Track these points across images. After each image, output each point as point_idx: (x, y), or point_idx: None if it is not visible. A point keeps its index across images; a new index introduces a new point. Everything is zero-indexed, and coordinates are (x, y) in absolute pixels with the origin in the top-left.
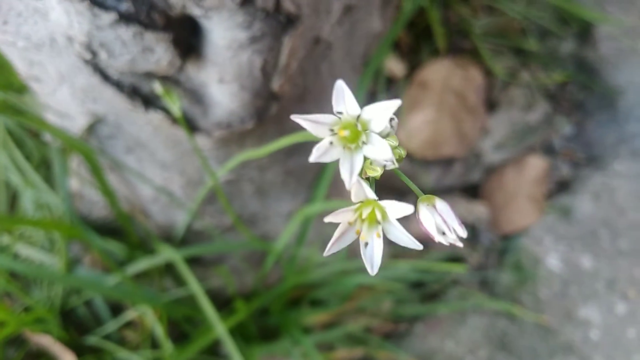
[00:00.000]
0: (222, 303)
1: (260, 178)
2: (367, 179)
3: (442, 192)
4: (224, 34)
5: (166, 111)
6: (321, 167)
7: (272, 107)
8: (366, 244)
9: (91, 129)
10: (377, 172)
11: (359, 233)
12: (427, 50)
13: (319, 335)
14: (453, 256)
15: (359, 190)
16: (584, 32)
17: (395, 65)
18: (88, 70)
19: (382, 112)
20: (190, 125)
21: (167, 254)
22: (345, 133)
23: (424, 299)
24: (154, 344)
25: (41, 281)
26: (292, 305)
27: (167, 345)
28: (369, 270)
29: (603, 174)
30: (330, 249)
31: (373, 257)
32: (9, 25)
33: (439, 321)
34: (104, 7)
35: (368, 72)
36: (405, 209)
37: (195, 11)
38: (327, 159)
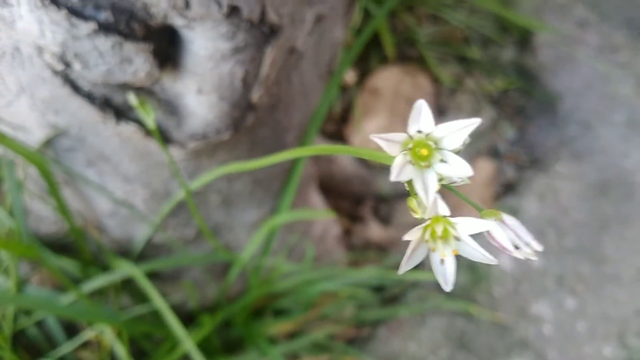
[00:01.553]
0: (183, 318)
1: (229, 188)
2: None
3: (399, 197)
4: (206, 44)
5: (139, 123)
6: (287, 176)
7: (249, 117)
8: (442, 261)
9: (49, 142)
10: (437, 188)
11: (434, 250)
12: (376, 58)
13: (285, 345)
14: None
15: (435, 207)
16: (524, 40)
17: (346, 73)
18: (56, 81)
19: (458, 130)
20: (163, 136)
21: (126, 269)
22: (423, 152)
23: (384, 303)
24: None
25: None
26: (256, 316)
27: None
28: (443, 286)
29: (546, 175)
30: (405, 266)
31: (447, 274)
32: None
33: (401, 324)
34: (83, 16)
35: (335, 81)
36: (479, 225)
37: (177, 21)
38: (403, 177)
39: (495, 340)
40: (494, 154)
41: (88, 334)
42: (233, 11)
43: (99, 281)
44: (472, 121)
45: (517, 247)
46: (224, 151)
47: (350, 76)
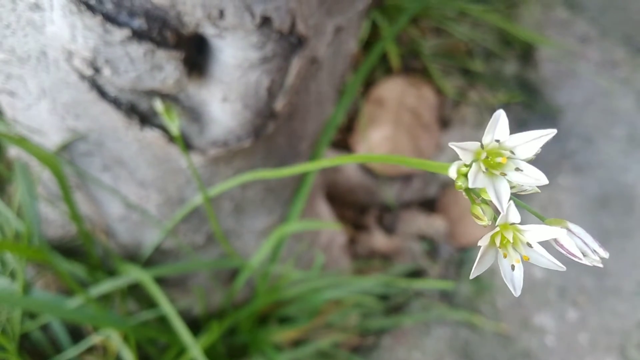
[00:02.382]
0: (188, 325)
1: (241, 195)
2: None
3: (403, 206)
4: (236, 53)
5: (162, 129)
6: (299, 185)
7: (270, 125)
8: (513, 267)
9: (66, 146)
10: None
11: (506, 256)
12: (381, 69)
13: (289, 353)
14: (415, 269)
15: (509, 214)
16: (526, 54)
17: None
18: (83, 86)
19: (532, 140)
20: (185, 143)
21: (134, 274)
22: (498, 160)
23: (389, 312)
24: None
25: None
26: (261, 323)
27: None
28: (513, 291)
29: (548, 188)
30: (476, 271)
31: (517, 279)
32: None
33: (405, 333)
34: (117, 23)
35: (350, 90)
36: (549, 232)
37: (209, 30)
38: (479, 184)
39: (499, 350)
40: None
41: (94, 339)
42: (265, 22)
43: (107, 285)
44: (548, 131)
45: (584, 254)
46: (240, 159)
47: None
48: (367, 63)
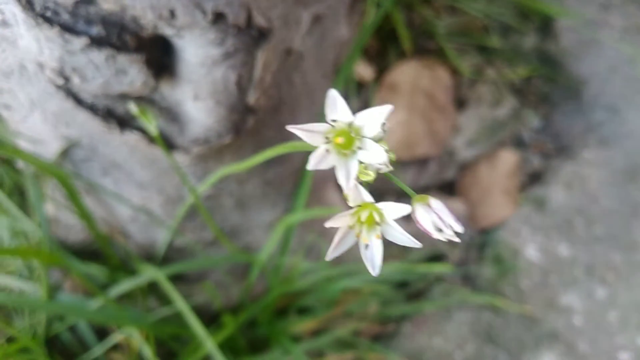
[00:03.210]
0: (209, 318)
1: (240, 191)
2: (361, 183)
3: (419, 191)
4: (197, 51)
5: (142, 131)
6: (300, 177)
7: (249, 120)
8: (366, 246)
9: (65, 153)
10: (370, 177)
11: (358, 236)
12: (394, 53)
13: (309, 342)
14: (434, 254)
15: (356, 194)
16: (545, 26)
17: (363, 70)
18: (60, 95)
19: (374, 117)
20: (168, 143)
21: (149, 273)
22: (341, 140)
23: (409, 298)
24: None
25: (22, 310)
26: (280, 315)
27: None
28: (370, 270)
29: (573, 163)
30: (332, 253)
31: (374, 258)
32: None
33: (426, 319)
34: (75, 32)
35: (340, 79)
36: (402, 209)
37: (167, 31)
38: (324, 166)
39: (524, 333)
40: (518, 143)
41: (117, 337)
42: (218, 18)
43: (125, 286)
44: (385, 108)
45: (440, 230)
46: (230, 154)
47: (367, 73)
48: (359, 42)
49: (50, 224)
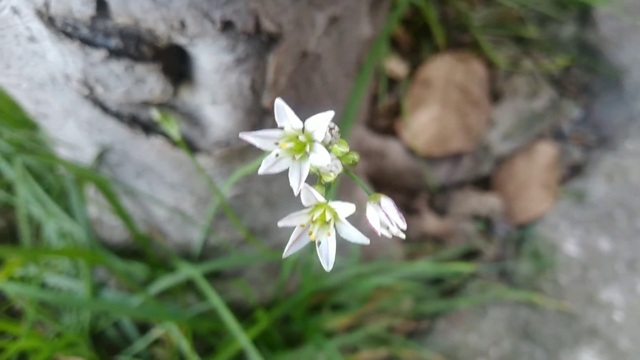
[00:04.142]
0: (246, 313)
1: (267, 190)
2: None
3: (454, 187)
4: (210, 58)
5: (166, 136)
6: None
7: (267, 121)
8: (319, 243)
9: (100, 158)
10: (331, 177)
11: (310, 234)
12: (427, 48)
13: (342, 338)
14: (469, 250)
15: (309, 195)
16: (584, 14)
17: (396, 66)
18: (88, 104)
19: (320, 122)
20: (191, 146)
21: (186, 271)
22: (288, 145)
23: (443, 295)
24: (182, 359)
25: (70, 307)
26: (314, 311)
27: None
28: (324, 266)
29: (615, 154)
30: (288, 251)
31: (328, 254)
32: (12, 69)
33: (461, 316)
34: (94, 45)
35: (362, 78)
36: (350, 208)
37: (180, 40)
38: (276, 170)
39: (562, 329)
40: (557, 135)
41: (158, 332)
42: (227, 26)
43: (164, 283)
44: (328, 113)
45: (387, 227)
46: (252, 154)
47: (401, 69)
48: (380, 41)
49: (93, 225)
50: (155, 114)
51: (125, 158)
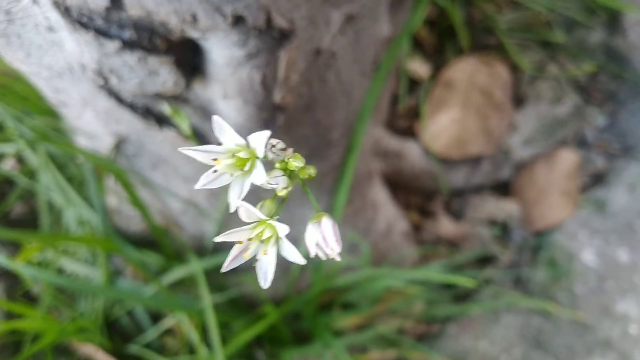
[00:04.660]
0: (257, 307)
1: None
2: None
3: (471, 191)
4: (222, 52)
5: (178, 129)
6: (340, 172)
7: (279, 118)
8: (258, 260)
9: (117, 148)
10: (283, 193)
11: (247, 250)
12: (451, 50)
13: (351, 337)
14: (484, 255)
15: (249, 212)
16: (613, 20)
17: (419, 67)
18: (104, 94)
19: (259, 140)
20: (204, 140)
21: (197, 263)
22: (224, 162)
23: (456, 299)
24: (192, 350)
25: (85, 294)
26: (324, 309)
27: (202, 351)
28: (261, 283)
29: (639, 164)
30: (228, 266)
31: (267, 272)
32: (32, 58)
33: (472, 321)
34: (109, 36)
35: (379, 78)
36: (284, 229)
37: (193, 34)
38: (216, 185)
39: (575, 340)
40: (581, 143)
41: (169, 322)
42: (238, 20)
43: (177, 274)
44: (264, 133)
45: (322, 248)
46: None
47: (423, 70)
48: (399, 41)
49: (112, 214)
50: (166, 108)
51: (141, 149)
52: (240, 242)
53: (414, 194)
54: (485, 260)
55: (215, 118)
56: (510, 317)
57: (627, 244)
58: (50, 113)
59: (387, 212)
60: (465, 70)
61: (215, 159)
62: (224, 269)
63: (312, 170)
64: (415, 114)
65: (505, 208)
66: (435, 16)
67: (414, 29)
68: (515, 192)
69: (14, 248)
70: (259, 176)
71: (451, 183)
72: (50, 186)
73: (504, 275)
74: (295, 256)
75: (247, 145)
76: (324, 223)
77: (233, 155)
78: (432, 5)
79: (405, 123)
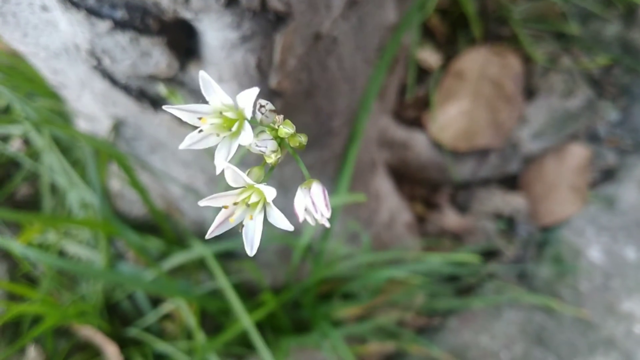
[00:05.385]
0: (258, 294)
1: (279, 174)
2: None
3: (478, 183)
4: (216, 34)
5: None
6: (341, 161)
7: (276, 103)
8: (244, 226)
9: (116, 130)
10: (272, 159)
11: (231, 217)
12: (463, 40)
13: (350, 328)
14: (489, 249)
15: (236, 176)
16: (630, 13)
17: (430, 56)
18: (98, 75)
19: (248, 98)
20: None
21: (198, 249)
22: (210, 121)
23: (458, 293)
24: (190, 335)
25: (85, 276)
26: (325, 299)
27: (200, 336)
28: (247, 251)
29: None
30: (213, 232)
31: (253, 238)
32: (29, 38)
33: (474, 315)
34: (100, 15)
35: (382, 65)
36: (271, 192)
37: (186, 14)
38: (201, 146)
39: (578, 337)
40: (592, 137)
41: (168, 307)
42: (231, 1)
43: (176, 259)
44: (252, 90)
45: (311, 213)
46: None
47: (434, 59)
48: (402, 28)
49: (115, 198)
50: (162, 89)
51: (139, 132)
52: (226, 207)
53: (419, 185)
54: (489, 254)
55: (202, 74)
56: (513, 313)
57: (635, 242)
58: (54, 95)
59: (390, 202)
60: (476, 61)
61: (200, 119)
62: (208, 236)
63: (302, 138)
64: (424, 104)
65: (512, 202)
66: (448, 5)
67: (425, 17)
68: (523, 186)
69: (17, 229)
70: (246, 137)
71: (458, 175)
72: (54, 168)
73: (508, 270)
74: (282, 222)
75: (235, 106)
76: (314, 188)
77: (220, 115)
78: None
79: (413, 113)
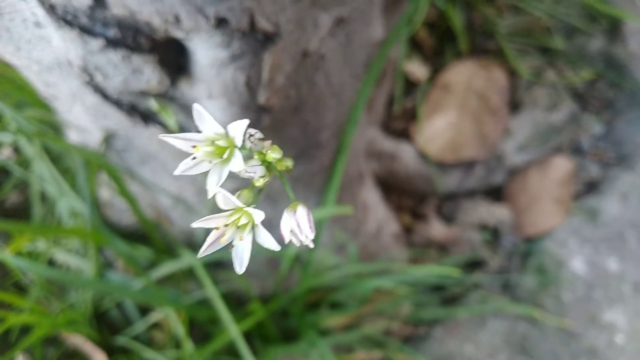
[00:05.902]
0: (245, 304)
1: (268, 187)
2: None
3: (464, 195)
4: (207, 53)
5: (164, 126)
6: (329, 173)
7: (264, 118)
8: (234, 246)
9: (107, 142)
10: (260, 183)
11: (223, 237)
12: (450, 53)
13: (337, 337)
14: (473, 260)
15: (227, 199)
16: (613, 28)
17: (417, 69)
18: (89, 90)
19: (237, 129)
20: None
21: (187, 259)
22: (203, 149)
23: (444, 303)
24: (179, 344)
25: (74, 286)
26: (313, 308)
27: (188, 346)
28: (237, 269)
29: (633, 173)
30: (205, 251)
31: (242, 258)
32: (22, 51)
33: (459, 325)
34: (93, 34)
35: (369, 79)
36: (259, 215)
37: (177, 34)
38: (194, 172)
39: (561, 347)
40: (576, 150)
41: (156, 316)
42: (221, 22)
43: (165, 269)
44: (243, 122)
45: (296, 235)
46: None
47: (421, 72)
48: (388, 43)
49: (105, 207)
50: (153, 104)
51: (129, 144)
52: (217, 228)
53: (406, 196)
54: (474, 265)
55: (195, 106)
56: (497, 322)
57: (617, 253)
58: (45, 105)
59: (377, 213)
60: (463, 74)
61: (194, 147)
62: (200, 255)
63: (289, 163)
64: (411, 116)
65: (497, 213)
66: (435, 18)
67: (413, 30)
68: (508, 198)
69: (7, 237)
70: (237, 164)
71: (444, 186)
72: (44, 177)
73: (492, 280)
74: (270, 242)
75: (226, 135)
76: (299, 211)
77: (212, 144)
78: (433, 7)
79: (400, 125)
